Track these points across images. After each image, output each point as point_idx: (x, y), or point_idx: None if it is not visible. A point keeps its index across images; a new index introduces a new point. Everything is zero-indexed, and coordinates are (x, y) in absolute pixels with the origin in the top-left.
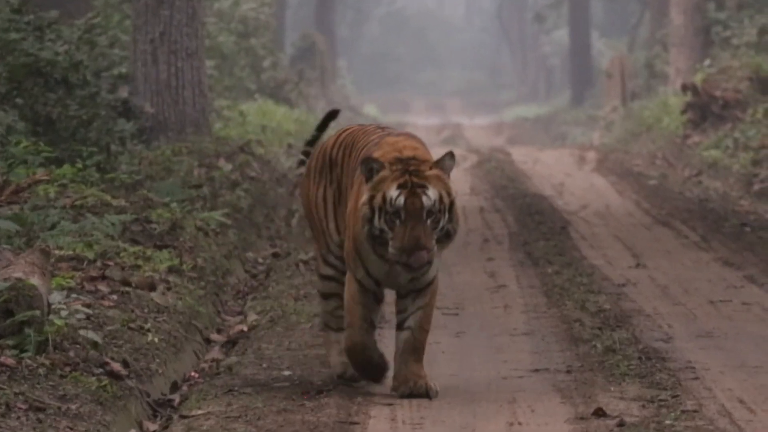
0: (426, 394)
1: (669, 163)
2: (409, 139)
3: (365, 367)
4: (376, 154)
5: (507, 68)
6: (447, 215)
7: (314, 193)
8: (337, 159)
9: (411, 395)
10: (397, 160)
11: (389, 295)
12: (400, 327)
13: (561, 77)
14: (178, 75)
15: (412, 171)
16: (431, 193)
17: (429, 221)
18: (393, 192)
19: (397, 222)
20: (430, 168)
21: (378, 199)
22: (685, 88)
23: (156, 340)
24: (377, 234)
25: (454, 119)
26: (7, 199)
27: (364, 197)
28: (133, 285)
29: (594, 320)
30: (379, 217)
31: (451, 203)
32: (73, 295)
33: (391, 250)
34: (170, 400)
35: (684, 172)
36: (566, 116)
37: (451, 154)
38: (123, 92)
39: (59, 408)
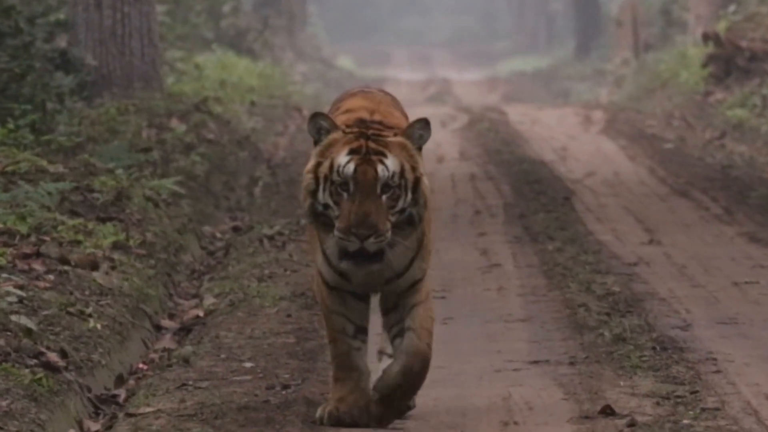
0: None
1: (688, 124)
2: (384, 102)
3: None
4: (337, 114)
5: (502, 14)
6: (410, 194)
7: None
8: None
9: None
10: (359, 121)
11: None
12: (397, 336)
13: (564, 25)
14: (124, 22)
15: (371, 135)
16: (390, 163)
17: (384, 197)
18: (342, 158)
19: (345, 195)
20: (395, 134)
21: (325, 167)
22: (706, 37)
23: (98, 326)
24: (320, 211)
25: (442, 73)
26: None
27: (309, 164)
28: (73, 263)
29: (601, 305)
30: (324, 190)
31: (417, 181)
32: (4, 275)
33: (335, 232)
34: (115, 396)
35: (705, 135)
36: (570, 70)
37: (424, 122)
38: (61, 42)
39: None
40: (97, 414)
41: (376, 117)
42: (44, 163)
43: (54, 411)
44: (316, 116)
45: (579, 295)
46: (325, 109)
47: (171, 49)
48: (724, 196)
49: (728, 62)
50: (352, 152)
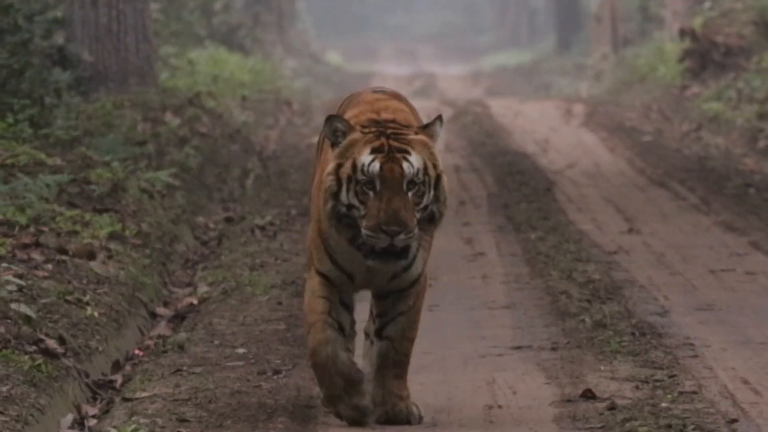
0: (406, 419)
1: (665, 117)
2: (392, 99)
3: (335, 381)
4: (347, 114)
5: (485, 9)
6: (432, 192)
7: (319, 175)
8: None
9: (389, 421)
10: (371, 122)
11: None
12: (378, 335)
13: (545, 20)
14: (119, 19)
15: (391, 134)
16: (414, 160)
17: (410, 194)
18: (366, 157)
19: (371, 194)
20: (416, 132)
21: (347, 168)
22: (683, 33)
23: (96, 314)
24: (344, 212)
25: (427, 68)
26: None
27: (330, 166)
28: (71, 253)
29: (582, 292)
30: (348, 190)
31: (438, 178)
32: (4, 265)
33: (364, 231)
34: (111, 381)
35: (682, 127)
36: (551, 64)
37: (441, 119)
38: (59, 38)
39: None
40: (95, 399)
41: (385, 116)
42: (42, 156)
43: (53, 396)
44: (331, 119)
45: (560, 283)
46: (315, 103)
47: (165, 45)
48: (701, 186)
49: (704, 57)
50: (374, 151)
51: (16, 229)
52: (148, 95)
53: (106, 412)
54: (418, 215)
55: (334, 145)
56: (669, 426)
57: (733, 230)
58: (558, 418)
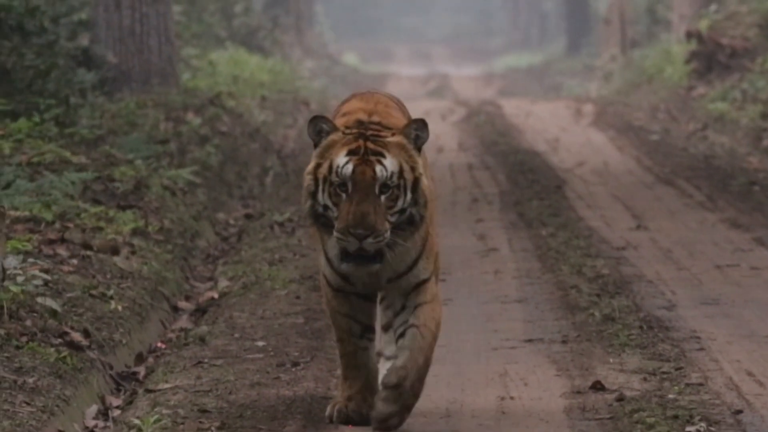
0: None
1: (672, 117)
2: (382, 102)
3: (354, 386)
4: (337, 117)
5: (497, 12)
6: (409, 195)
7: None
8: None
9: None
10: (357, 123)
11: None
12: (398, 337)
13: (556, 23)
14: (142, 21)
15: (369, 136)
16: (388, 163)
17: (383, 197)
18: (341, 159)
19: (344, 196)
20: (393, 134)
21: (324, 168)
22: (689, 35)
23: (119, 308)
24: (321, 212)
25: (441, 69)
26: None
27: (309, 166)
28: (95, 249)
29: (591, 286)
30: (323, 191)
31: (416, 181)
32: (30, 260)
33: (335, 233)
34: (135, 373)
35: (688, 127)
36: (561, 66)
37: (421, 122)
38: (83, 40)
39: (15, 381)
40: (119, 390)
41: (375, 118)
42: (68, 154)
43: (78, 387)
44: (316, 119)
45: (570, 278)
46: (332, 104)
47: (186, 46)
48: (707, 184)
49: (710, 58)
50: (350, 153)
51: (42, 225)
52: (170, 95)
53: (130, 402)
54: (393, 218)
55: (316, 144)
56: (676, 417)
57: (738, 227)
58: (568, 409)
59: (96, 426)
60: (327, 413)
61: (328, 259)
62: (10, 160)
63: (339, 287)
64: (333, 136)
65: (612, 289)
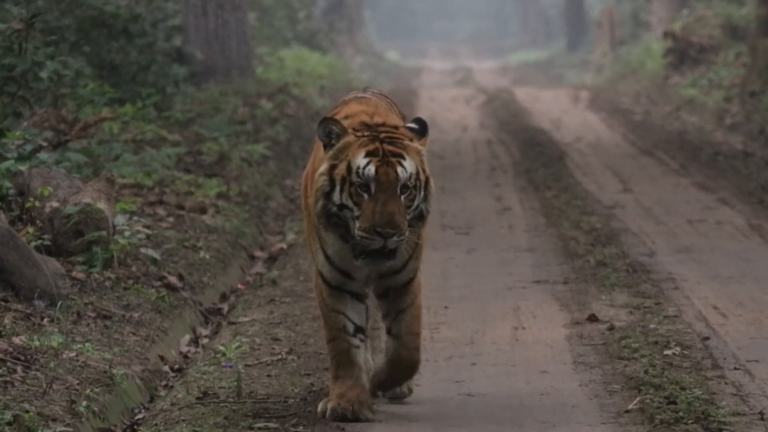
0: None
1: (652, 101)
2: (380, 105)
3: (347, 383)
4: (339, 116)
5: (511, 18)
6: (423, 193)
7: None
8: None
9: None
10: (363, 125)
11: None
12: (388, 333)
13: (558, 26)
14: (224, 26)
15: (385, 138)
16: (408, 165)
17: (403, 197)
18: (361, 160)
19: (366, 196)
20: (410, 139)
21: (341, 169)
22: (666, 34)
23: (207, 256)
24: (334, 212)
25: (465, 63)
26: (77, 134)
27: (323, 167)
28: (187, 209)
29: (587, 238)
30: (341, 191)
31: (427, 180)
32: (135, 218)
33: (357, 232)
34: (220, 309)
35: (665, 109)
36: (562, 60)
37: (422, 125)
38: (177, 41)
39: (123, 316)
40: (207, 323)
41: (377, 119)
42: (164, 133)
43: (174, 321)
44: (326, 121)
45: (570, 231)
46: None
47: (260, 46)
48: (680, 155)
49: (682, 53)
50: (369, 154)
51: (145, 190)
52: (247, 85)
53: (216, 333)
54: (408, 216)
55: (327, 147)
56: (656, 342)
57: (706, 189)
58: (569, 337)
59: (189, 352)
60: (319, 410)
61: (327, 257)
62: (118, 138)
63: (337, 284)
64: (347, 138)
65: (604, 240)
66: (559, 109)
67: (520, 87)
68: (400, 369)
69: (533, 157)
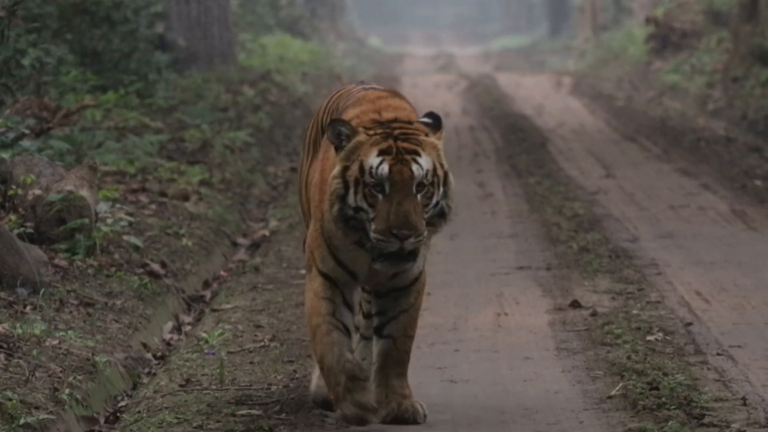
0: (413, 418)
1: (634, 87)
2: (392, 97)
3: (340, 381)
4: (348, 115)
5: (493, 4)
6: (441, 189)
7: (307, 169)
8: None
9: (395, 420)
10: (375, 123)
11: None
12: (378, 333)
13: (540, 11)
14: (206, 12)
15: (399, 135)
16: (423, 161)
17: (420, 196)
18: (373, 159)
19: (380, 197)
20: (426, 134)
21: (353, 170)
22: (648, 20)
23: (190, 243)
24: (351, 215)
25: (448, 49)
26: (59, 122)
27: (336, 170)
28: (169, 196)
29: (570, 224)
30: (356, 193)
31: (446, 175)
32: (117, 205)
33: (373, 234)
34: (202, 296)
35: (647, 94)
36: (545, 46)
37: (436, 119)
38: (159, 28)
39: (106, 303)
40: (189, 310)
41: (388, 114)
42: (147, 120)
43: (156, 308)
44: (335, 122)
45: (553, 217)
46: (359, 78)
47: (242, 33)
48: (663, 140)
49: (665, 39)
50: (382, 153)
51: (127, 177)
52: (229, 72)
53: (199, 320)
54: (427, 215)
55: (338, 148)
56: (638, 328)
57: (688, 175)
58: (551, 323)
59: (171, 339)
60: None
61: (338, 260)
62: (101, 125)
63: (342, 282)
64: (359, 138)
65: (586, 226)
66: (542, 95)
67: (502, 73)
68: (389, 371)
69: (516, 143)
